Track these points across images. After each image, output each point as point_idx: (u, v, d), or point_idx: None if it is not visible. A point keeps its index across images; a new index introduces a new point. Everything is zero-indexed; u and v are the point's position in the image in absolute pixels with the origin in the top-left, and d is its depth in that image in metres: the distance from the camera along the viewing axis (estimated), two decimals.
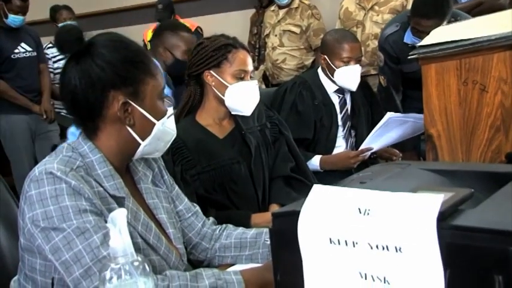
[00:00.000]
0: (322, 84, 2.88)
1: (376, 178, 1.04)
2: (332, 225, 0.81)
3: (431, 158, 1.74)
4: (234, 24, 5.39)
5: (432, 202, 0.74)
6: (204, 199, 1.96)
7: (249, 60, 2.10)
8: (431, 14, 2.74)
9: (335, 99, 2.88)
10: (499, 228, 0.71)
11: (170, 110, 1.41)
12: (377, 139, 2.70)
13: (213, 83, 2.06)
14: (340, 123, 2.87)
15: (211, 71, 2.06)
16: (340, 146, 2.89)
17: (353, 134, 2.93)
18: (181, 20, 5.36)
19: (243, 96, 2.07)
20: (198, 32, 5.35)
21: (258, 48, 4.88)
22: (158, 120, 1.36)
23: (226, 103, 2.07)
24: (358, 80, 2.82)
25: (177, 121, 1.50)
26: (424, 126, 1.77)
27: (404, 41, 3.04)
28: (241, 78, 2.06)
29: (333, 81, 2.84)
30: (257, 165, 2.11)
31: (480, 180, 0.99)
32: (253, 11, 5.17)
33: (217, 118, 2.13)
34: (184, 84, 2.19)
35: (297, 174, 2.23)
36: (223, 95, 2.05)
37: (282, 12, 4.52)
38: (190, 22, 5.37)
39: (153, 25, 5.33)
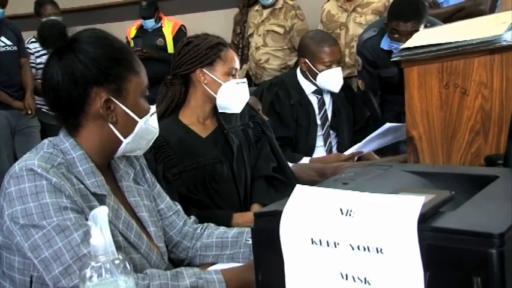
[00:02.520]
0: (299, 84, 2.92)
1: (358, 179, 1.05)
2: (314, 225, 0.81)
3: (412, 160, 1.75)
4: (217, 23, 5.37)
5: (413, 204, 0.75)
6: (186, 198, 1.96)
7: (237, 58, 2.14)
8: (408, 16, 2.79)
9: (313, 99, 2.92)
10: (478, 230, 0.72)
11: (153, 108, 1.41)
12: (369, 144, 2.72)
13: (205, 81, 2.06)
14: (318, 122, 2.91)
15: (204, 69, 2.06)
16: (321, 145, 2.93)
17: (333, 134, 2.95)
18: (165, 18, 5.35)
19: (235, 94, 2.09)
20: (182, 30, 5.34)
21: (241, 48, 4.88)
22: (141, 118, 1.35)
23: (218, 101, 2.08)
24: (340, 82, 2.86)
25: (160, 120, 1.50)
26: (406, 128, 1.78)
27: (381, 46, 3.07)
28: (233, 76, 2.09)
29: (312, 83, 2.88)
30: (239, 164, 2.11)
31: (460, 182, 1.00)
32: (236, 10, 5.16)
33: (201, 117, 2.13)
34: (161, 84, 2.17)
35: (278, 174, 2.23)
36: (216, 93, 2.06)
37: (265, 12, 4.53)
38: (174, 20, 5.37)
39: (137, 22, 5.32)
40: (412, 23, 2.75)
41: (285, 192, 2.16)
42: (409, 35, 2.70)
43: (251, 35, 4.64)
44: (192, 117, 2.12)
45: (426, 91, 1.71)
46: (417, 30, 2.62)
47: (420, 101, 1.72)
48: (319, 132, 2.91)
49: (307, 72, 2.88)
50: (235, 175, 2.10)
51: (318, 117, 2.90)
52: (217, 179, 2.06)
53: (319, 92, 2.92)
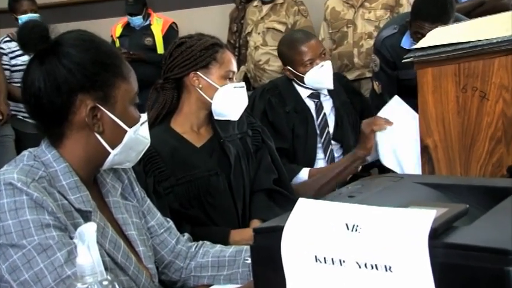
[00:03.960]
0: (295, 89, 2.90)
1: (365, 192, 1.07)
2: (318, 242, 0.84)
3: (427, 170, 1.78)
4: (211, 20, 5.39)
5: (424, 218, 0.77)
6: (179, 214, 1.98)
7: (234, 60, 2.18)
8: (436, 16, 2.74)
9: (310, 104, 2.90)
10: (494, 246, 0.74)
11: (144, 117, 1.43)
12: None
13: (200, 85, 2.10)
14: (318, 131, 2.87)
15: (199, 73, 2.10)
16: (321, 158, 2.88)
17: (336, 145, 2.90)
18: (154, 15, 5.37)
19: (233, 99, 2.13)
20: (173, 28, 5.37)
21: (238, 47, 4.91)
22: (130, 127, 1.38)
23: (214, 107, 2.11)
24: (330, 76, 2.81)
25: (150, 128, 1.52)
26: (420, 136, 1.81)
27: (402, 45, 3.06)
28: (230, 80, 2.13)
29: (304, 87, 2.87)
30: (237, 176, 2.14)
31: (476, 195, 1.02)
32: (232, 6, 5.18)
33: (195, 125, 2.16)
34: (151, 89, 2.19)
35: (280, 187, 2.26)
36: (211, 98, 2.10)
37: (265, 8, 4.56)
38: (165, 17, 5.40)
39: (123, 19, 5.33)
40: (440, 24, 2.72)
41: (287, 206, 2.19)
42: None
43: (249, 33, 4.66)
44: (185, 125, 2.15)
45: (442, 95, 1.74)
46: None
47: (435, 106, 1.75)
48: (319, 143, 2.87)
49: (295, 79, 2.88)
50: (233, 188, 2.12)
51: (316, 125, 2.88)
52: (213, 193, 2.08)
53: (315, 95, 2.90)
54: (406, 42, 3.04)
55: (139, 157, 1.46)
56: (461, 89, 1.71)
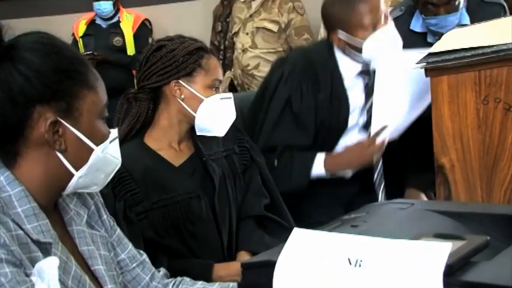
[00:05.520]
0: (337, 66, 2.65)
1: (371, 220, 1.08)
2: (316, 279, 0.84)
3: (442, 194, 1.80)
4: (192, 17, 5.42)
5: (438, 252, 0.78)
6: (154, 244, 1.98)
7: (221, 67, 2.20)
8: None
9: (358, 85, 2.65)
10: None
11: (114, 133, 1.43)
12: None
13: (182, 96, 2.11)
14: (363, 120, 2.64)
15: (181, 81, 2.11)
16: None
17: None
18: (124, 11, 5.39)
19: (219, 113, 2.14)
20: (146, 25, 5.39)
21: (223, 49, 4.92)
22: (97, 145, 1.38)
23: (197, 121, 2.12)
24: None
25: (121, 144, 1.53)
26: (434, 154, 1.82)
27: (411, 28, 3.05)
28: (216, 90, 2.14)
29: (357, 60, 2.62)
30: (222, 201, 2.14)
31: (499, 225, 1.04)
32: (216, 1, 5.20)
33: (174, 140, 2.17)
34: (121, 98, 2.20)
35: (272, 213, 2.27)
36: (195, 111, 2.11)
37: (255, 4, 4.57)
38: (136, 13, 5.42)
39: (88, 15, 5.34)
40: None
41: (279, 236, 2.21)
42: (446, 4, 2.74)
43: (236, 33, 4.68)
44: (162, 140, 2.16)
45: (459, 107, 1.76)
46: None
47: (452, 119, 1.77)
48: (362, 134, 2.63)
49: (347, 47, 2.62)
50: (217, 214, 2.12)
51: (358, 110, 2.64)
52: (194, 220, 2.08)
53: (367, 72, 2.64)
54: (416, 24, 3.00)
55: (109, 179, 1.47)
56: (482, 100, 1.73)
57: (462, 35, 1.91)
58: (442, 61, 1.78)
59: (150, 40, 5.31)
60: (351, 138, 2.62)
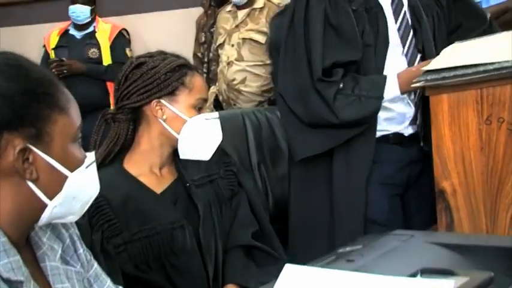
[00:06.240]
0: None
1: (367, 255, 1.09)
2: None
3: (444, 221, 1.81)
4: (173, 28, 5.43)
5: None
6: (134, 279, 1.98)
7: (206, 86, 2.21)
8: None
9: (385, 1, 2.57)
10: None
11: (90, 157, 1.43)
12: None
13: (164, 117, 2.12)
14: (397, 38, 2.55)
15: (163, 100, 2.12)
16: None
17: (418, 56, 2.57)
18: (101, 20, 5.40)
19: (204, 134, 2.15)
20: (123, 35, 5.39)
21: (207, 62, 4.93)
22: (72, 171, 1.38)
23: (180, 144, 2.13)
24: None
25: (99, 169, 1.53)
26: (435, 178, 1.84)
27: None
28: (200, 110, 2.15)
29: None
30: (207, 230, 2.14)
31: (504, 259, 1.05)
32: (200, 10, 5.21)
33: (155, 165, 2.17)
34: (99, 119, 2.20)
35: (260, 241, 2.26)
36: (178, 132, 2.12)
37: (241, 14, 4.58)
38: (113, 23, 5.43)
39: (60, 26, 5.32)
40: None
41: (268, 266, 2.21)
42: None
43: (221, 45, 4.69)
44: (142, 165, 2.16)
45: (461, 127, 1.77)
46: None
47: (453, 141, 1.79)
48: (399, 51, 2.54)
49: None
50: (202, 245, 2.12)
51: (394, 29, 2.55)
52: (177, 251, 2.08)
53: None
54: None
55: (86, 208, 1.47)
56: (485, 120, 1.74)
57: (462, 51, 1.93)
58: (441, 78, 1.80)
59: (127, 51, 5.33)
60: (396, 60, 2.51)
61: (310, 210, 2.56)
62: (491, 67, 1.72)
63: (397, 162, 2.48)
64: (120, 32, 5.39)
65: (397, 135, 2.46)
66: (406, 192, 2.50)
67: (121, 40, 5.38)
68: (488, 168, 1.74)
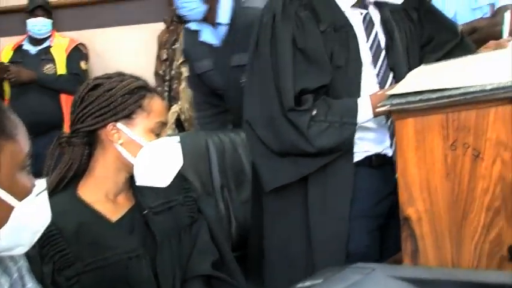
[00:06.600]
0: None
1: None
2: None
3: (409, 249, 1.82)
4: (133, 44, 5.42)
5: None
6: None
7: (166, 108, 2.20)
8: None
9: (355, 19, 2.54)
10: None
11: (41, 184, 1.42)
12: None
13: (120, 141, 2.11)
14: (368, 57, 2.53)
15: (118, 124, 2.11)
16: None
17: (391, 75, 2.56)
18: (57, 35, 5.39)
19: (163, 160, 2.14)
20: (79, 49, 5.38)
21: (168, 80, 4.92)
22: (21, 200, 1.37)
23: (136, 170, 2.12)
24: None
25: (51, 196, 1.52)
26: (400, 205, 1.85)
27: None
28: (158, 134, 2.14)
29: None
30: (165, 260, 2.13)
31: None
32: (161, 26, 5.21)
33: (111, 192, 2.16)
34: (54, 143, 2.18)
35: (220, 270, 2.26)
36: (134, 158, 2.11)
37: None
38: (70, 37, 5.42)
39: (15, 40, 5.31)
40: None
41: None
42: None
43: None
44: (97, 192, 2.14)
45: (426, 153, 1.79)
46: None
47: (418, 166, 1.80)
48: (371, 71, 2.52)
49: None
50: (159, 275, 2.11)
51: (365, 48, 2.53)
52: (133, 283, 2.07)
53: (363, 4, 2.57)
54: None
55: (37, 238, 1.46)
56: (450, 146, 1.76)
57: (427, 74, 1.95)
58: (406, 103, 1.81)
59: (82, 64, 5.33)
60: (368, 79, 2.49)
61: (287, 244, 2.51)
62: (456, 92, 1.73)
63: (378, 193, 2.46)
64: (76, 46, 5.39)
65: (380, 157, 2.46)
66: (387, 221, 2.47)
67: (77, 53, 5.39)
68: (453, 195, 1.75)
